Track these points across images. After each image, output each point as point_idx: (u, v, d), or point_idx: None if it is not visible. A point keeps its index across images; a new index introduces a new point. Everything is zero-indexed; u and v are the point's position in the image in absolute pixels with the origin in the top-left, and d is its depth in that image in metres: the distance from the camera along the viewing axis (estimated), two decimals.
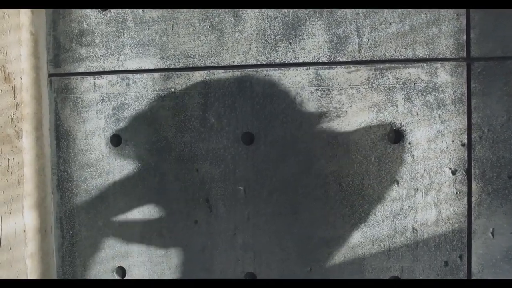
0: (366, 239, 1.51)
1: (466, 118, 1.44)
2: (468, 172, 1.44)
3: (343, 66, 1.49)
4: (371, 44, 1.47)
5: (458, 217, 1.46)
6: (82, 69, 1.65)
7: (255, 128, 1.55)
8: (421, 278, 1.49)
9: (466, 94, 1.44)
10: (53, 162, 1.70)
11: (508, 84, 1.41)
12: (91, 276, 1.70)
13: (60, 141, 1.69)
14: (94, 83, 1.64)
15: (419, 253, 1.49)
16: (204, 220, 1.60)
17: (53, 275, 1.71)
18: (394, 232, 1.49)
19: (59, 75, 1.67)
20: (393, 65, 1.46)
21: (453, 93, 1.44)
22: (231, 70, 1.55)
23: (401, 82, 1.46)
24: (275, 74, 1.53)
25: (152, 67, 1.60)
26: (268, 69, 1.53)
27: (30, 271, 1.61)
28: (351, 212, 1.51)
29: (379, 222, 1.50)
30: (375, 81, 1.47)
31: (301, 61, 1.51)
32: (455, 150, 1.44)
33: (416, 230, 1.48)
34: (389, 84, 1.47)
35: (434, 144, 1.45)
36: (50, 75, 1.68)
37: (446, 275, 1.47)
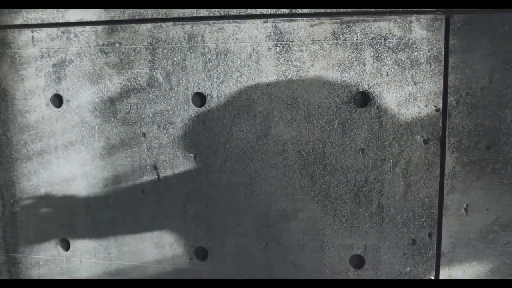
0: (327, 214, 1.36)
1: (442, 80, 1.26)
2: (442, 141, 1.28)
3: (305, 19, 1.31)
4: None
5: (429, 191, 1.30)
6: (19, 21, 1.48)
7: (207, 88, 1.39)
8: (385, 257, 1.34)
9: (443, 52, 1.26)
10: None
11: (493, 41, 1.23)
12: (33, 249, 1.57)
13: None
14: (33, 37, 1.48)
15: (384, 230, 1.34)
16: (152, 190, 1.46)
17: None
18: (357, 206, 1.34)
19: None
20: (361, 18, 1.28)
21: (429, 51, 1.26)
22: (180, 23, 1.38)
23: (370, 38, 1.28)
24: (229, 27, 1.35)
25: (95, 19, 1.43)
26: (222, 21, 1.35)
27: None
28: (311, 184, 1.36)
29: (341, 195, 1.35)
30: (341, 36, 1.30)
31: (258, 13, 1.33)
32: (428, 115, 1.28)
33: (382, 205, 1.33)
34: (357, 39, 1.29)
35: (405, 108, 1.29)
36: None
37: (413, 255, 1.33)
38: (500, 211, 1.27)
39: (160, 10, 1.38)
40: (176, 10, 1.37)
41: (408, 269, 1.33)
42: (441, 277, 1.31)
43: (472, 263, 1.30)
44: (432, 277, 1.32)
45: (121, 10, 1.41)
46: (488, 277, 1.29)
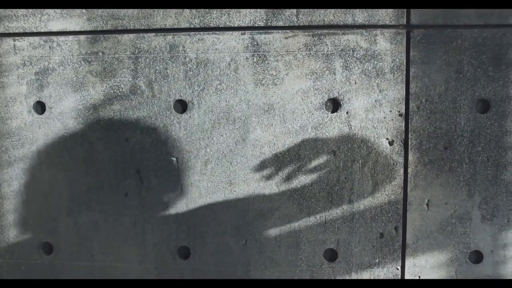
0: (302, 211, 1.47)
1: (404, 88, 1.40)
2: (405, 142, 1.41)
3: (280, 31, 1.42)
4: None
5: (394, 189, 1.43)
6: (0, 30, 1.51)
7: (188, 96, 1.47)
8: (356, 250, 1.46)
9: (405, 63, 1.39)
10: None
11: (448, 53, 1.38)
12: (15, 254, 1.59)
13: None
14: (14, 45, 1.51)
15: (355, 225, 1.46)
16: (135, 193, 1.52)
17: None
18: (330, 204, 1.46)
19: None
20: (331, 31, 1.40)
21: (392, 62, 1.39)
22: (162, 34, 1.45)
23: (339, 49, 1.40)
24: (209, 38, 1.44)
25: (78, 28, 1.48)
26: (202, 33, 1.44)
27: None
28: (287, 184, 1.46)
29: (315, 194, 1.46)
30: (313, 47, 1.41)
31: (236, 25, 1.43)
32: (392, 120, 1.41)
33: (353, 202, 1.45)
34: (327, 51, 1.41)
35: (371, 114, 1.41)
36: None
37: (381, 247, 1.45)
38: (457, 205, 1.42)
39: (142, 21, 1.45)
40: (158, 21, 1.45)
41: (377, 260, 1.46)
42: (406, 266, 1.44)
43: (434, 253, 1.43)
44: (399, 267, 1.45)
45: (104, 20, 1.46)
46: (448, 265, 1.43)
